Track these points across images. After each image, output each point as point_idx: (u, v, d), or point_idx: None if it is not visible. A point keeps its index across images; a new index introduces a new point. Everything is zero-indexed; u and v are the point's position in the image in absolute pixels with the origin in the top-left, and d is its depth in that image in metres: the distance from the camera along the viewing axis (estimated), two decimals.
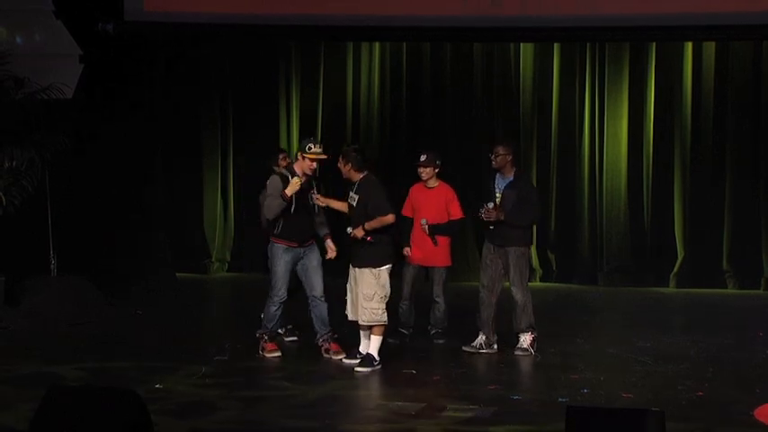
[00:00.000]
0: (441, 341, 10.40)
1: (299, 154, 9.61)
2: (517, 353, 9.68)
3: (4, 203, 11.45)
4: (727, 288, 13.79)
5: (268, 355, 9.66)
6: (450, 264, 10.45)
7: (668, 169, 14.07)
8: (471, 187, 12.30)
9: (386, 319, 9.33)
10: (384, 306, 9.29)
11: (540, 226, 14.22)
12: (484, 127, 14.46)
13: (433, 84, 14.66)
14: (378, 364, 9.33)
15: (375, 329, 9.37)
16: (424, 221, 10.16)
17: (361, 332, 9.60)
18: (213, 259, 15.15)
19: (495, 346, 9.85)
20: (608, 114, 14.16)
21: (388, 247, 9.35)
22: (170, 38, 13.75)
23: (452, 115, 14.58)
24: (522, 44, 14.23)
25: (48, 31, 12.60)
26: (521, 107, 14.45)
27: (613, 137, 14.18)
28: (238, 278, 14.84)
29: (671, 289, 13.92)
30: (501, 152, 9.58)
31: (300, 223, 9.62)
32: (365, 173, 9.30)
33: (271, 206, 9.46)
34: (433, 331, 10.52)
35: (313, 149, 9.41)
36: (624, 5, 12.43)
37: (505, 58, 14.44)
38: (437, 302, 10.38)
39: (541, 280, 14.38)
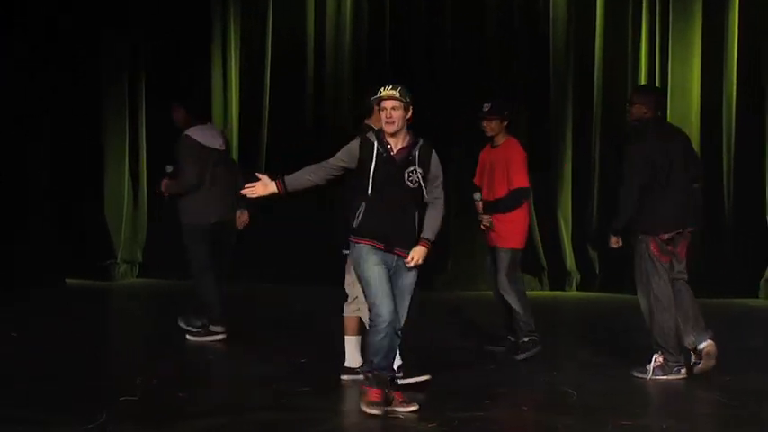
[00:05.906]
0: (522, 356, 9.15)
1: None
2: (634, 373, 8.77)
3: None
4: None
5: (368, 410, 7.79)
6: (518, 246, 9.45)
7: (755, 140, 12.61)
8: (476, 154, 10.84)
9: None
10: None
11: (576, 215, 13.12)
12: (498, 80, 13.03)
13: (428, 19, 13.39)
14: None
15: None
16: (477, 195, 9.52)
17: None
18: (118, 260, 14.06)
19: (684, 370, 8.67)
20: (673, 64, 12.59)
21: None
22: None
23: (455, 61, 13.23)
24: None
25: None
26: (551, 52, 13.06)
27: (681, 93, 12.68)
28: (153, 286, 13.80)
29: (761, 300, 12.65)
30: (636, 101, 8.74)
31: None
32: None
33: None
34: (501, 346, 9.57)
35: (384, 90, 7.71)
36: None
37: None
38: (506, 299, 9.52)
39: (579, 288, 13.23)
